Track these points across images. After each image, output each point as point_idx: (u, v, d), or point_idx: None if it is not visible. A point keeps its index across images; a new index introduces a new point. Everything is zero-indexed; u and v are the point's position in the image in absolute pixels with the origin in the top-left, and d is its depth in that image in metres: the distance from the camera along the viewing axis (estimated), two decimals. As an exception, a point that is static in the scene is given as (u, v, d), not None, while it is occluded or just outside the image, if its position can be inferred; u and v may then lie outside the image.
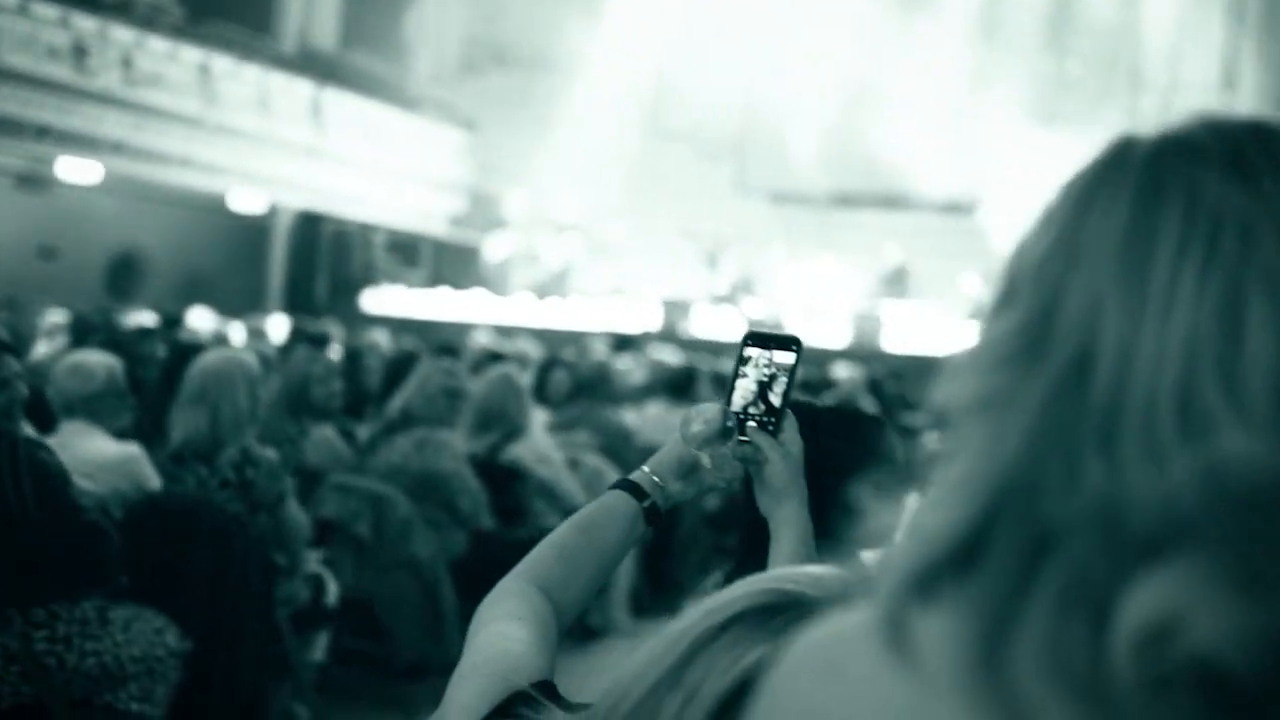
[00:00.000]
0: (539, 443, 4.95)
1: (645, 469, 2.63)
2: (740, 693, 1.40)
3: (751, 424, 3.21)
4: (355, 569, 4.19)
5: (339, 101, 12.85)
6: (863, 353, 9.89)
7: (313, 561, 3.89)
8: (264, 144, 11.97)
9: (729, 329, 10.65)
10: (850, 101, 12.28)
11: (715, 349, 8.93)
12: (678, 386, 6.35)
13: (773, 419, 3.24)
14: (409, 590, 4.25)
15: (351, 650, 4.14)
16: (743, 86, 13.17)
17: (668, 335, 10.46)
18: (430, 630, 4.21)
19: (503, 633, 1.79)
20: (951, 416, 0.95)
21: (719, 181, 13.68)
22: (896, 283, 11.21)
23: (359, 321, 10.34)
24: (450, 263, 14.09)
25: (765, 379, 3.46)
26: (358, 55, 14.06)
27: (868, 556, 2.97)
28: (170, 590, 3.21)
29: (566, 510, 5.27)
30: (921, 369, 8.65)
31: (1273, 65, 12.16)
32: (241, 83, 11.68)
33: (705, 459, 3.12)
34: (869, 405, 7.94)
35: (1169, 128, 0.85)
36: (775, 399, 3.15)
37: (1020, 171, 11.74)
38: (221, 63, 11.45)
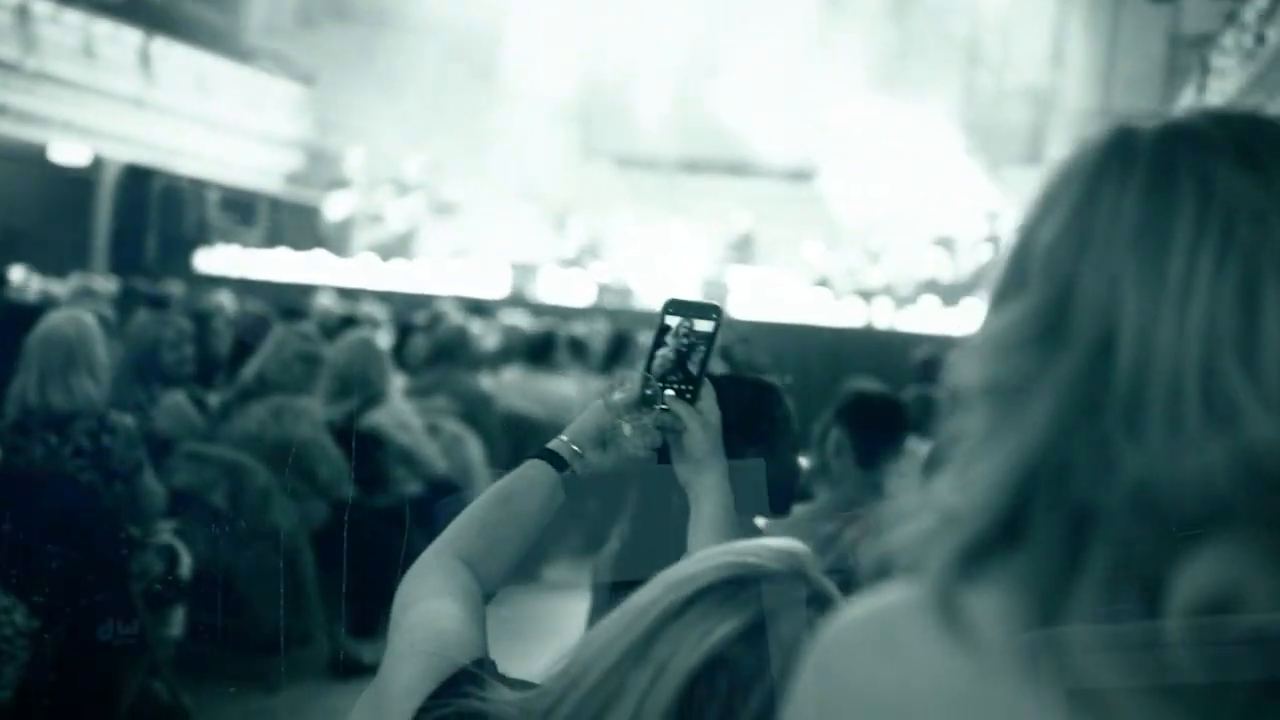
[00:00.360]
0: (398, 409, 4.84)
1: (564, 438, 2.58)
2: (711, 666, 1.38)
3: (670, 392, 3.17)
4: (210, 540, 4.04)
5: (169, 51, 12.30)
6: (711, 318, 9.95)
7: (165, 533, 3.74)
8: (88, 94, 11.39)
9: (578, 293, 10.60)
10: (696, 67, 12.33)
11: (564, 314, 8.87)
12: (535, 352, 6.29)
13: (691, 388, 3.22)
14: (268, 562, 4.12)
15: (208, 625, 3.99)
16: (587, 48, 13.09)
17: (516, 300, 10.36)
18: (290, 603, 4.09)
19: (436, 610, 1.73)
20: (966, 398, 0.95)
21: (564, 144, 13.59)
22: (743, 249, 11.33)
23: (195, 282, 9.95)
24: (288, 222, 13.69)
25: (684, 348, 3.44)
26: (189, 4, 13.48)
27: (762, 524, 2.97)
28: (16, 566, 3.04)
29: (427, 478, 5.18)
30: (768, 335, 8.77)
31: (1099, 42, 12.65)
32: (64, 28, 11.07)
33: (626, 428, 3.07)
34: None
35: (1170, 119, 0.87)
36: (694, 368, 3.13)
37: (860, 140, 11.99)
38: (41, 6, 10.83)
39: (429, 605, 1.65)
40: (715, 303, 2.38)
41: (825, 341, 9.03)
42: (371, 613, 5.68)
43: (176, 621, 3.75)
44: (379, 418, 4.67)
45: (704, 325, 2.94)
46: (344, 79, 13.74)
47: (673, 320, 3.28)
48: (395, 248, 11.94)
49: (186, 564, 3.73)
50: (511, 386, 6.04)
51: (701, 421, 2.92)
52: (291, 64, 14.28)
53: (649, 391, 2.97)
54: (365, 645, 4.53)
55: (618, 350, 7.07)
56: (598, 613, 3.33)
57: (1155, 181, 0.86)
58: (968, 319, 9.80)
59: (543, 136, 13.47)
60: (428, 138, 12.72)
